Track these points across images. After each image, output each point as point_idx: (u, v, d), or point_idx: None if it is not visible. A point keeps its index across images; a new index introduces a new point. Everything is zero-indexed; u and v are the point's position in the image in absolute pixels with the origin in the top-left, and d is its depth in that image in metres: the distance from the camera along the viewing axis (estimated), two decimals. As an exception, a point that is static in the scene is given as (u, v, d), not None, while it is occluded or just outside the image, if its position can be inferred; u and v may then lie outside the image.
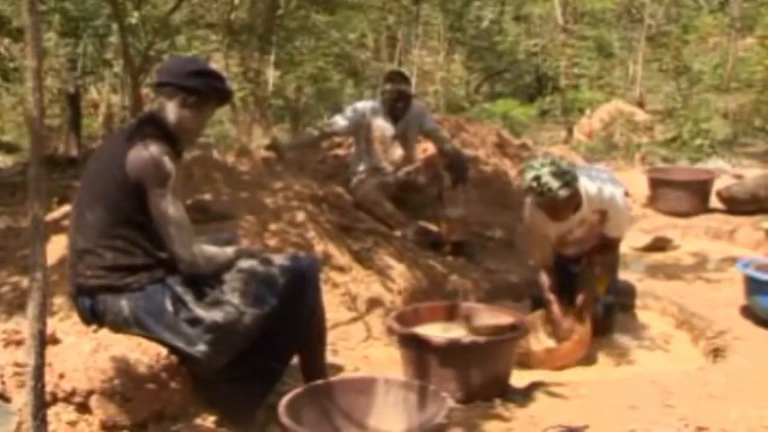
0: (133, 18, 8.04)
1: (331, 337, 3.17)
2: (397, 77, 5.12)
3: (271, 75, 10.86)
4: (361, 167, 5.05)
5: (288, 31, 10.84)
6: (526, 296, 4.40)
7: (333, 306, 3.69)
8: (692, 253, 5.73)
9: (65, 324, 2.88)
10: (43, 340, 2.10)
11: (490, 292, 4.57)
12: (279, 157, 5.12)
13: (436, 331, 3.39)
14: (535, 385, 3.35)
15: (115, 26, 8.41)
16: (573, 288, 4.15)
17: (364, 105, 5.20)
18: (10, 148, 11.10)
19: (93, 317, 2.71)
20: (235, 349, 2.66)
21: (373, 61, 14.40)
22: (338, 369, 3.27)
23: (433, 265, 4.60)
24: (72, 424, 2.47)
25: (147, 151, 2.61)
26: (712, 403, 3.10)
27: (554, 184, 3.58)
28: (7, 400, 2.52)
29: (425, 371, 3.14)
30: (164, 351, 2.62)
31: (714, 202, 6.65)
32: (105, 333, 2.66)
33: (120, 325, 2.65)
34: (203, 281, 2.67)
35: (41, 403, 2.11)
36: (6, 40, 9.01)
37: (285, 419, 2.33)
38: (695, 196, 6.67)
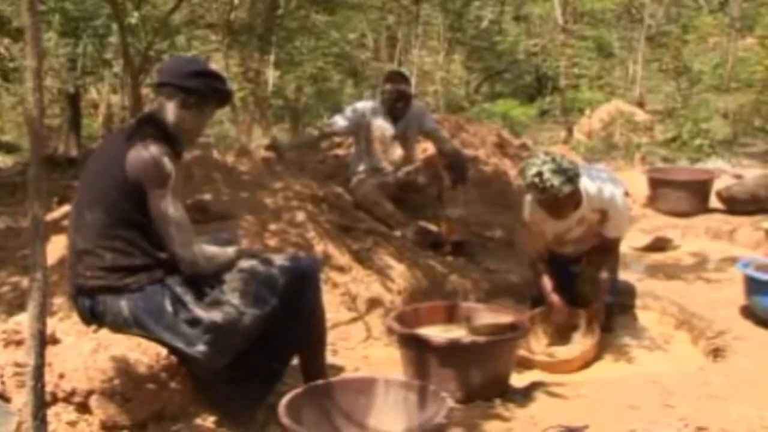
0: (133, 18, 8.04)
1: (331, 337, 3.17)
2: (397, 77, 5.12)
3: (271, 75, 10.86)
4: (361, 167, 5.05)
5: (288, 31, 10.84)
6: (526, 296, 4.40)
7: (333, 306, 3.69)
8: (692, 253, 5.73)
9: (65, 324, 2.87)
10: (43, 340, 2.10)
11: (490, 292, 4.57)
12: (279, 157, 5.12)
13: (436, 333, 3.39)
14: (535, 385, 3.35)
15: (115, 26, 8.41)
16: (573, 288, 4.16)
17: (364, 105, 5.20)
18: (10, 148, 11.11)
19: (93, 318, 2.71)
20: (235, 350, 2.66)
21: (373, 61, 14.41)
22: (338, 369, 3.27)
23: (433, 265, 4.60)
24: (72, 424, 2.47)
25: (147, 152, 2.61)
26: (712, 403, 3.10)
27: (556, 180, 3.59)
28: (7, 400, 2.52)
29: (425, 371, 3.14)
30: (164, 351, 2.62)
31: (714, 202, 6.65)
32: (105, 333, 2.66)
33: (120, 326, 2.65)
34: (203, 281, 2.67)
35: (41, 403, 2.11)
36: (6, 40, 9.01)
37: (285, 419, 2.33)
38: (695, 196, 6.67)
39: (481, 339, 3.29)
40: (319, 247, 4.10)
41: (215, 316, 2.62)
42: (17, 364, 2.54)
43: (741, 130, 11.14)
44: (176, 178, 2.65)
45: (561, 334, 4.01)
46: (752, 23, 13.56)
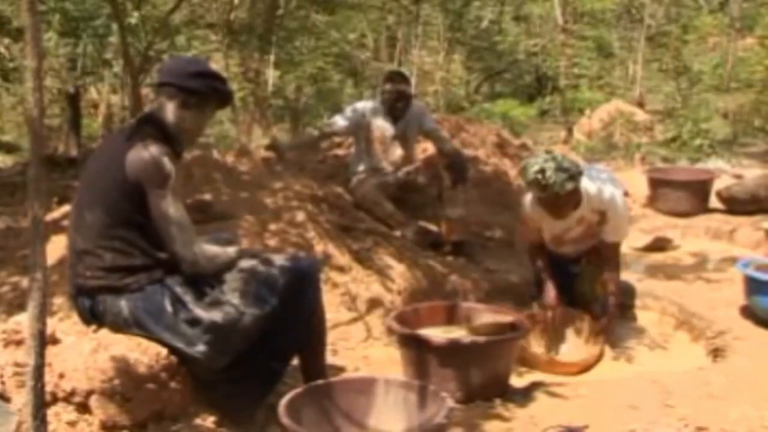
0: (133, 18, 8.03)
1: (331, 337, 3.17)
2: (397, 77, 5.12)
3: (271, 75, 10.85)
4: (361, 167, 5.05)
5: (288, 31, 10.84)
6: (527, 296, 4.40)
7: (333, 306, 3.69)
8: (692, 253, 5.73)
9: (65, 324, 2.87)
10: (43, 340, 2.10)
11: (489, 292, 4.56)
12: (279, 157, 5.12)
13: (436, 333, 3.39)
14: (535, 385, 3.35)
15: (115, 26, 8.40)
16: (573, 288, 4.16)
17: (364, 105, 5.20)
18: (10, 148, 11.10)
19: (93, 318, 2.71)
20: (235, 350, 2.66)
21: (372, 61, 14.41)
22: (338, 369, 3.27)
23: (432, 265, 4.60)
24: (72, 424, 2.47)
25: (147, 152, 2.61)
26: (712, 403, 3.10)
27: (558, 177, 3.60)
28: (7, 400, 2.52)
29: (425, 371, 3.15)
30: (164, 351, 2.62)
31: (714, 202, 6.65)
32: (105, 333, 2.66)
33: (120, 326, 2.65)
34: (203, 281, 2.67)
35: (41, 403, 2.11)
36: (6, 40, 9.01)
37: (285, 419, 2.33)
38: (695, 196, 6.67)
39: (481, 339, 3.29)
40: (319, 247, 4.10)
41: (215, 316, 2.62)
42: (17, 364, 2.54)
43: (741, 130, 11.14)
44: (176, 178, 2.65)
45: (557, 332, 4.01)
46: (752, 23, 13.56)
